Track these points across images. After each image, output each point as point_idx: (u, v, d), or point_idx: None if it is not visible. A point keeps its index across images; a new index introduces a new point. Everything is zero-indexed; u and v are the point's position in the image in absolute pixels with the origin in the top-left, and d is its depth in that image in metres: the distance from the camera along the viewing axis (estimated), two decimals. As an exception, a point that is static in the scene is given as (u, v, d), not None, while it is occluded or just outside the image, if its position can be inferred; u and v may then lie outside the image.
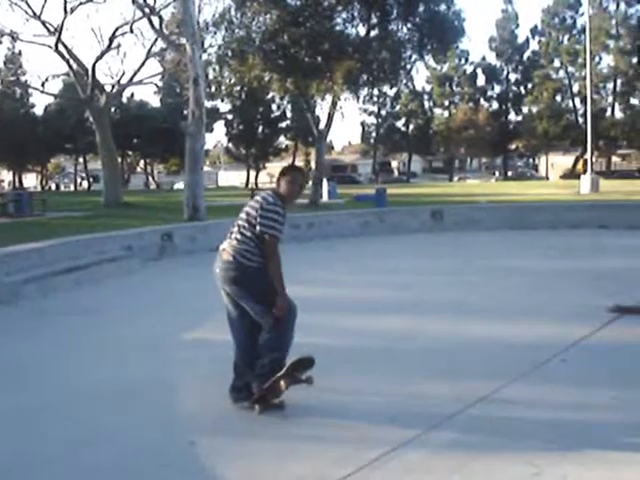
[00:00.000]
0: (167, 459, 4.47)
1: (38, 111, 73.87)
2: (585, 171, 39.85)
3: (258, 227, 4.98)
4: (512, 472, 4.11)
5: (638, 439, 4.55)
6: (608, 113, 76.93)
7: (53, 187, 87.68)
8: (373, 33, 30.55)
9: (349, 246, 15.94)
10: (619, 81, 76.35)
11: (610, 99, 78.09)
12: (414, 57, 31.27)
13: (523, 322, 7.91)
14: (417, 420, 4.92)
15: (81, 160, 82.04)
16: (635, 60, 73.54)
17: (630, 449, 4.41)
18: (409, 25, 30.34)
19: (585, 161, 47.63)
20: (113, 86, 37.29)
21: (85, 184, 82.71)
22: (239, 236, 5.09)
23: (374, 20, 30.28)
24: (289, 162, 77.46)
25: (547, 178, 76.35)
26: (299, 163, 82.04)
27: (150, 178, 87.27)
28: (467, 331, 7.58)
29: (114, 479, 4.23)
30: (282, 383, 4.97)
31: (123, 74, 38.09)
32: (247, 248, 5.03)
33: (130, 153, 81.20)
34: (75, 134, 66.81)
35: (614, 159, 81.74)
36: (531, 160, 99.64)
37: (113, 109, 56.83)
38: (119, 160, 47.51)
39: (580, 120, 73.47)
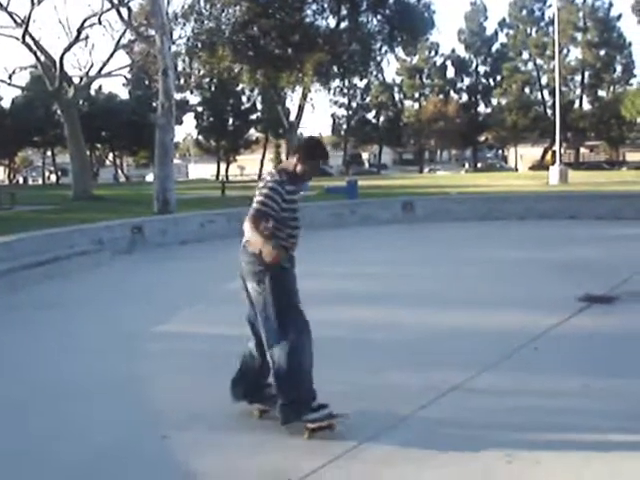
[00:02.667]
0: (139, 453, 4.43)
1: (5, 104, 72.86)
2: (554, 162, 40.14)
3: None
4: (485, 460, 4.13)
5: (609, 426, 4.58)
6: (576, 105, 77.68)
7: (21, 181, 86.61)
8: (343, 25, 30.63)
9: (320, 238, 15.90)
10: (587, 73, 77.15)
11: (578, 91, 78.85)
12: (384, 49, 31.42)
13: (494, 312, 7.96)
14: (389, 410, 4.92)
15: (49, 153, 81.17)
16: (602, 52, 74.31)
17: (601, 436, 4.44)
18: (379, 17, 30.46)
19: (554, 152, 48.00)
20: (81, 78, 36.91)
21: (53, 178, 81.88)
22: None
23: (344, 12, 30.36)
24: (260, 154, 77.23)
25: (516, 169, 76.86)
26: (269, 155, 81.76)
27: (119, 171, 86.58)
28: (438, 321, 7.61)
29: (86, 474, 4.18)
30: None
31: (91, 66, 37.74)
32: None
33: (99, 146, 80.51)
34: (43, 127, 66.03)
35: (582, 150, 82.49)
36: (500, 152, 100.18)
37: (81, 102, 56.30)
38: (88, 153, 47.09)
39: (549, 112, 74.03)
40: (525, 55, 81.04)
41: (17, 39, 32.59)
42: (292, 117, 32.63)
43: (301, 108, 31.34)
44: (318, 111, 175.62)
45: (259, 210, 4.60)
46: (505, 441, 4.35)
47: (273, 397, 4.75)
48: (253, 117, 79.64)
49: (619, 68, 78.09)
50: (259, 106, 77.92)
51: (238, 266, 4.78)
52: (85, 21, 33.97)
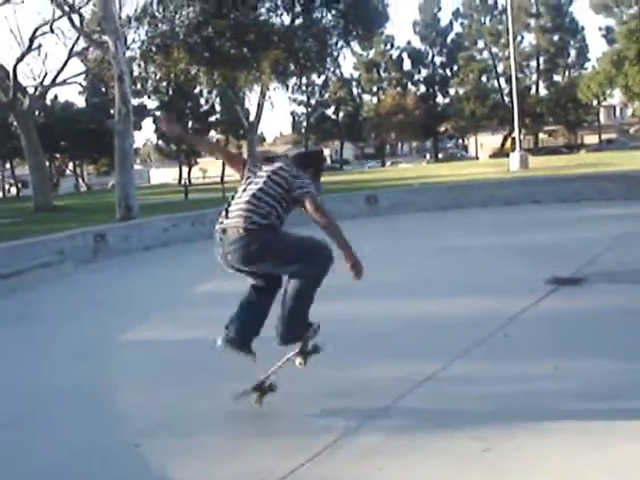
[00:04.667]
0: (112, 462, 4.35)
1: (-41, 118, 71.57)
2: (514, 149, 40.43)
3: (296, 191, 4.67)
4: (463, 449, 4.12)
5: (583, 406, 4.61)
6: (533, 91, 78.50)
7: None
8: (298, 21, 30.53)
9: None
10: (542, 59, 77.96)
11: (534, 77, 79.70)
12: (340, 44, 31.36)
13: (463, 299, 7.96)
14: (364, 404, 4.90)
15: (8, 166, 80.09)
16: (556, 37, 75.12)
17: (576, 418, 4.46)
18: (333, 12, 30.43)
19: (513, 139, 48.37)
20: (36, 88, 36.43)
21: (14, 190, 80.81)
22: (253, 205, 4.59)
23: (298, 8, 30.26)
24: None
25: (477, 158, 77.38)
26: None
27: (80, 180, 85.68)
28: (408, 312, 7.60)
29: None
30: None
31: (46, 75, 37.24)
32: (268, 210, 4.60)
33: (58, 156, 79.53)
34: (0, 139, 65.04)
35: (541, 136, 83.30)
36: (461, 141, 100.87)
37: (38, 112, 55.51)
38: (47, 164, 46.50)
39: (506, 99, 74.70)
40: (480, 44, 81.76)
41: (-32, 51, 32.10)
42: (252, 117, 32.50)
43: (260, 107, 31.30)
44: (277, 110, 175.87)
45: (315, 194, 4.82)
46: (481, 429, 4.34)
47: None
48: (212, 119, 79.20)
49: (573, 52, 79.10)
50: (218, 108, 77.58)
51: (222, 259, 4.66)
52: (37, 30, 33.50)
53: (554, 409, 4.61)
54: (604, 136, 77.88)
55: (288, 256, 4.66)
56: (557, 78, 79.95)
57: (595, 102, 70.21)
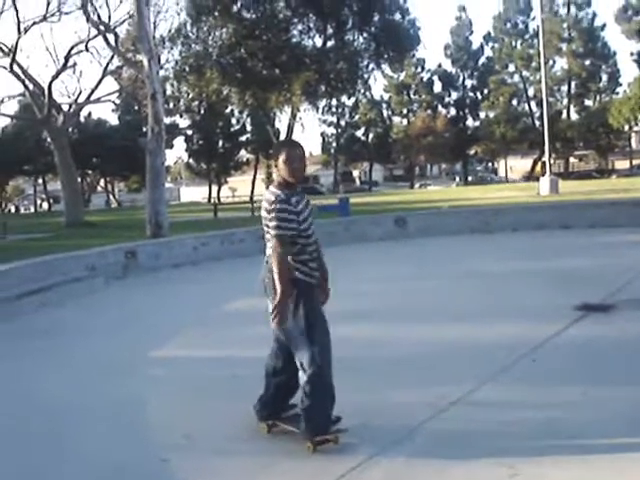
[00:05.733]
0: (139, 477, 4.39)
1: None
2: (544, 173, 40.22)
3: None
4: (489, 474, 4.10)
5: (609, 434, 4.56)
6: (564, 115, 78.10)
7: (12, 210, 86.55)
8: (329, 44, 30.77)
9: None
10: (573, 83, 77.57)
11: (565, 101, 79.30)
12: (371, 66, 31.55)
13: (491, 324, 7.93)
14: (391, 428, 4.89)
15: (40, 181, 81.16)
16: (588, 62, 74.81)
17: (603, 445, 4.42)
18: (365, 35, 30.63)
19: (543, 163, 48.13)
20: (70, 105, 37.00)
21: (45, 205, 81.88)
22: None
23: (330, 31, 30.51)
24: (251, 175, 77.34)
25: (507, 181, 77.08)
26: (261, 176, 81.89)
27: (111, 197, 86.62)
28: (435, 336, 7.57)
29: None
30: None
31: (80, 93, 37.86)
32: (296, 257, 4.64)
33: (90, 172, 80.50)
34: (33, 155, 66.02)
35: (572, 160, 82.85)
36: (490, 164, 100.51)
37: (71, 129, 56.30)
38: (79, 180, 47.08)
39: (537, 123, 74.42)
40: (511, 68, 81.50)
41: (5, 68, 32.74)
42: (282, 137, 32.70)
43: (290, 128, 31.51)
44: (307, 130, 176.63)
45: (278, 235, 4.51)
46: (508, 455, 4.32)
47: (296, 416, 4.75)
48: (243, 139, 79.86)
49: (605, 77, 78.68)
50: (249, 127, 78.20)
51: (261, 283, 4.72)
52: (72, 48, 34.13)
53: (581, 436, 4.57)
54: (635, 161, 77.30)
55: (296, 317, 4.61)
56: (588, 103, 79.56)
57: (626, 127, 69.78)
